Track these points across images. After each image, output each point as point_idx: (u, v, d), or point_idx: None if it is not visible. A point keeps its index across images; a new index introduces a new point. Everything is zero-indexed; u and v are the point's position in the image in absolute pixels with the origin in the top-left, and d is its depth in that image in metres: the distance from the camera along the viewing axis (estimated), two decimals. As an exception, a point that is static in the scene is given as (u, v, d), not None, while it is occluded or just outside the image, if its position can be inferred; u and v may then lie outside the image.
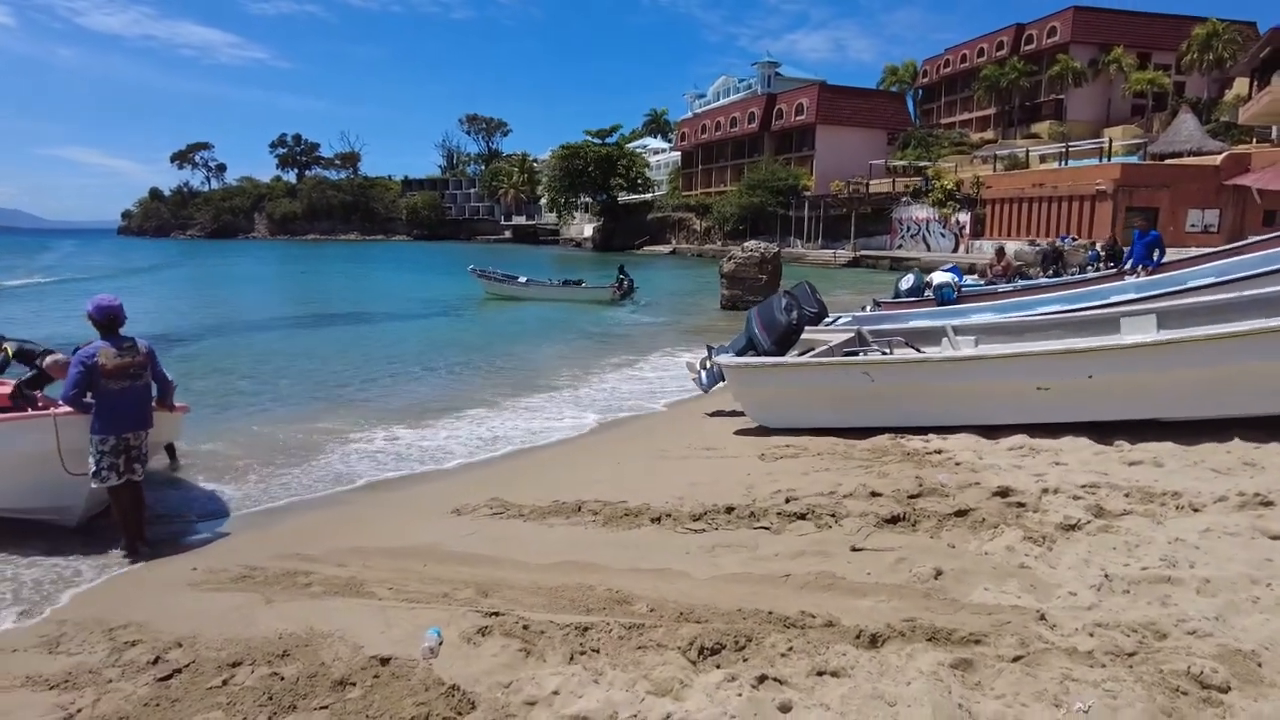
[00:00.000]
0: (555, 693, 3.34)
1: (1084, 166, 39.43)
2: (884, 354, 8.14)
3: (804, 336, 8.71)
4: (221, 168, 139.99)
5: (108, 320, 5.75)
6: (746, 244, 26.17)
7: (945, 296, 12.80)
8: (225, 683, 3.69)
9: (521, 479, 7.25)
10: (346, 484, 7.58)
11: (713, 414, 9.48)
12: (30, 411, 6.20)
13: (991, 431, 7.09)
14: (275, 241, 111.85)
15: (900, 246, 48.67)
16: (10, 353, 7.21)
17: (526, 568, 4.87)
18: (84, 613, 4.84)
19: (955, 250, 43.70)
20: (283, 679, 3.67)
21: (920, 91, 79.41)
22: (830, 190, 55.91)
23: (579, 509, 6.00)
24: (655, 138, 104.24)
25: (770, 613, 3.95)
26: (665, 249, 69.91)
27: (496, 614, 4.07)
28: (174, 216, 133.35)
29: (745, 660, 3.50)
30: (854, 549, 4.81)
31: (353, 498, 7.24)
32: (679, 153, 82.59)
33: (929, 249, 45.99)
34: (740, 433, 8.29)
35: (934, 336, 9.41)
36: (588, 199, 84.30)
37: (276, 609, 4.59)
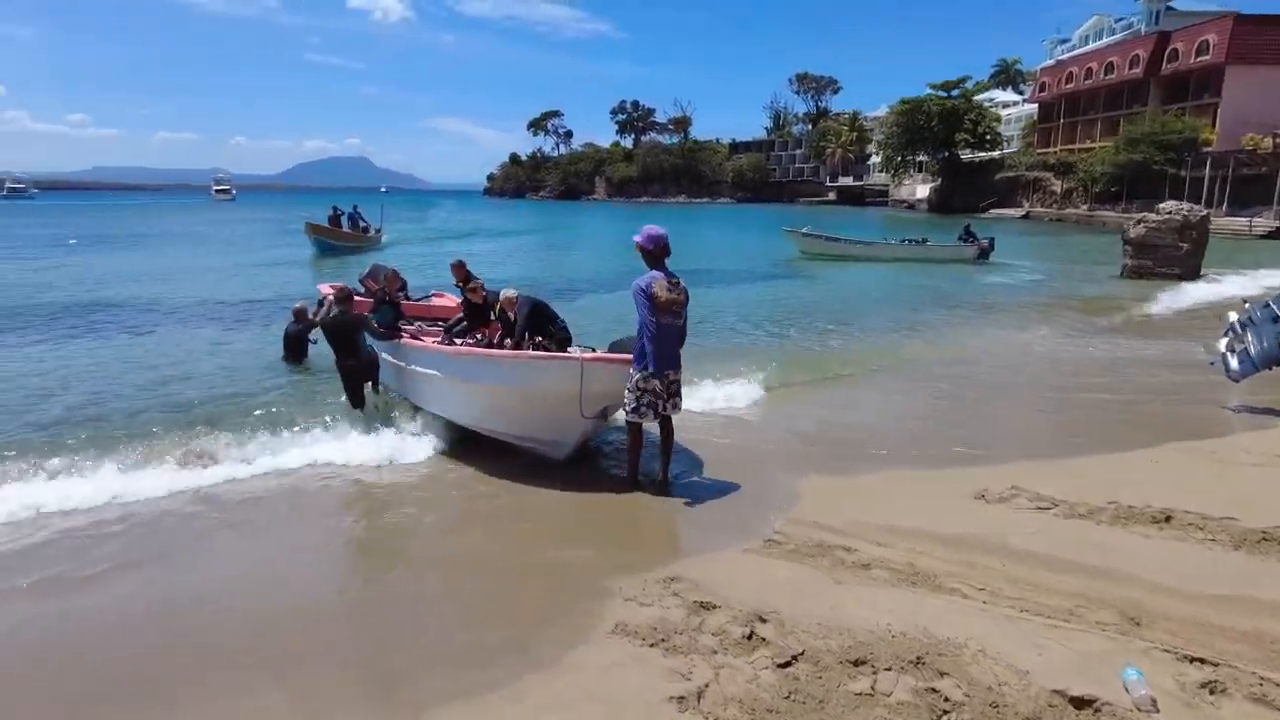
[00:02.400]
0: None
1: None
2: None
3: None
4: (569, 134, 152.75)
5: (659, 249, 5.52)
6: (1162, 206, 22.06)
7: None
8: (872, 689, 3.13)
9: (1031, 466, 6.12)
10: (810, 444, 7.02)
11: (1238, 409, 7.55)
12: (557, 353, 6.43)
13: None
14: (611, 203, 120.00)
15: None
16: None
17: (1178, 595, 3.79)
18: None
19: None
20: (947, 700, 3.02)
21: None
22: (1241, 145, 45.80)
23: (1166, 519, 4.76)
24: (1004, 90, 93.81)
25: None
26: (1016, 212, 62.57)
27: (1207, 662, 3.07)
28: (528, 179, 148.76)
29: None
30: None
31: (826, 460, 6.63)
32: (1035, 105, 73.51)
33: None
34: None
35: None
36: (924, 158, 78.55)
37: (851, 592, 4.03)
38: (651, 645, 3.66)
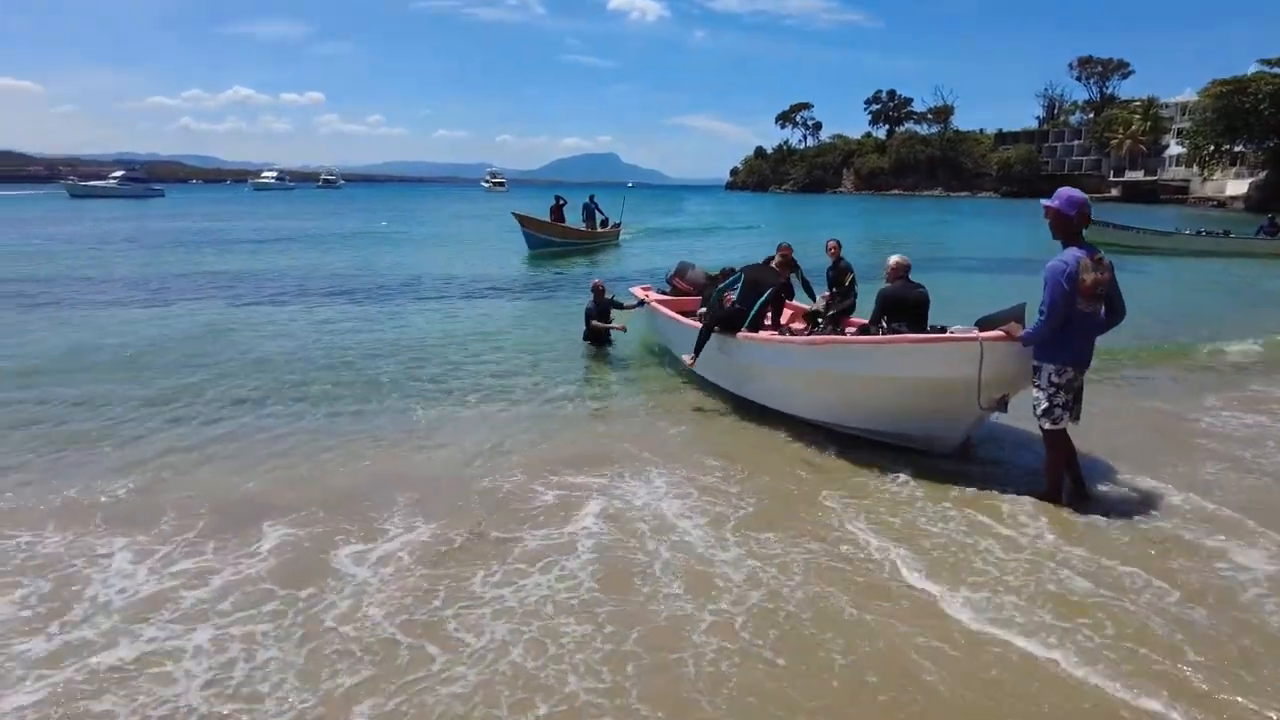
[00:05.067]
0: None
1: None
2: None
3: None
4: (818, 126, 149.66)
5: (1081, 216, 4.65)
6: None
7: None
8: None
9: None
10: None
11: None
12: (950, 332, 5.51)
13: None
14: (859, 196, 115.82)
15: None
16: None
17: None
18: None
19: None
20: None
21: None
22: None
23: None
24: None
25: None
26: (1369, 212, 51.74)
27: None
28: (772, 172, 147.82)
29: None
30: None
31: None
32: None
33: None
34: None
35: None
36: (1243, 148, 67.34)
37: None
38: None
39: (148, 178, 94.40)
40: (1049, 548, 4.39)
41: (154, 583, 4.04)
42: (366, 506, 4.97)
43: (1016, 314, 4.99)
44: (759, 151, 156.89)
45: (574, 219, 26.17)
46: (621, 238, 28.37)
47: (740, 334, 7.00)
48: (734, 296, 7.23)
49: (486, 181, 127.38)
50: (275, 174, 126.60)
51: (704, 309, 8.06)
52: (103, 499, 5.11)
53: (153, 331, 10.94)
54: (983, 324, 5.14)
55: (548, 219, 24.55)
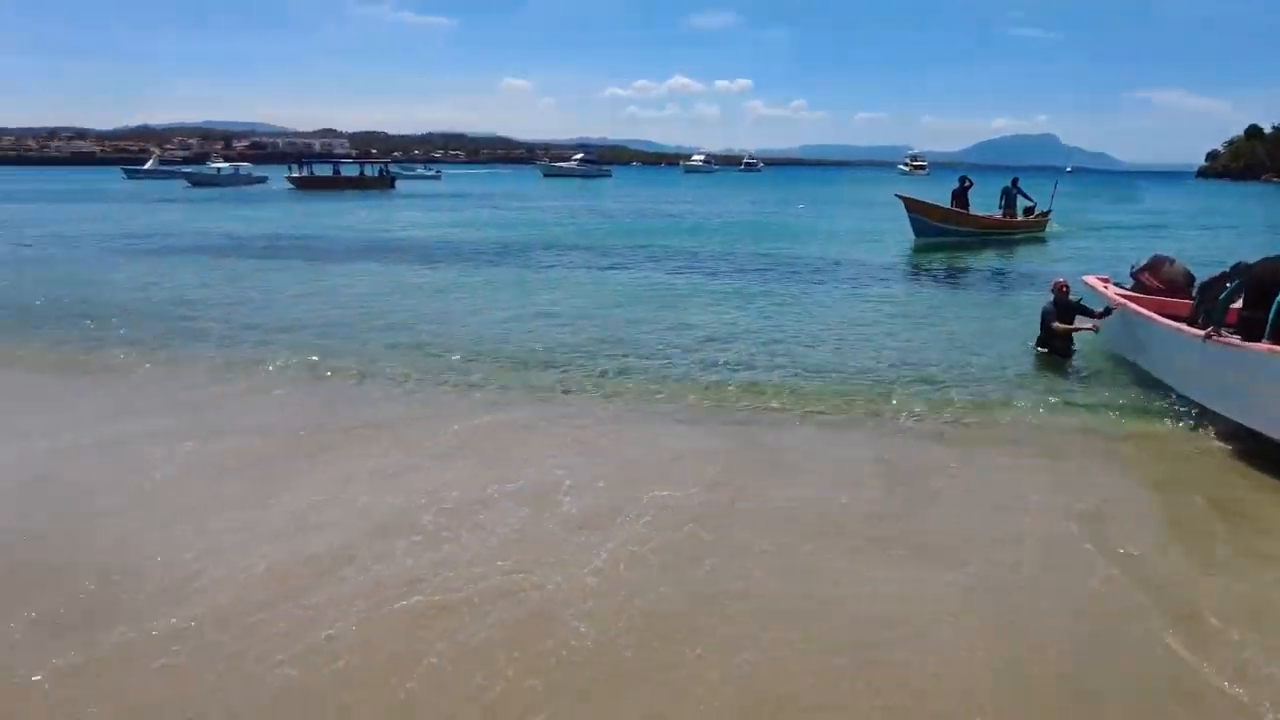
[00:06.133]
0: None
1: None
2: None
3: None
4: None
5: None
6: None
7: None
8: None
9: None
10: None
11: None
12: None
13: None
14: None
15: None
16: None
17: None
18: None
19: None
20: None
21: None
22: None
23: None
24: None
25: None
26: None
27: None
28: (1269, 157, 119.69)
29: None
30: None
31: None
32: None
33: None
34: None
35: None
36: None
37: None
38: None
39: (598, 160, 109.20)
40: None
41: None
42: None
43: None
44: (1251, 131, 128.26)
45: (982, 206, 22.59)
46: (1049, 230, 24.24)
47: (1261, 346, 5.74)
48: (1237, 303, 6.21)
49: (905, 164, 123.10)
50: (703, 157, 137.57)
51: (1201, 317, 6.87)
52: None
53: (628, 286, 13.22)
54: None
55: (949, 204, 21.61)
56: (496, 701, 3.16)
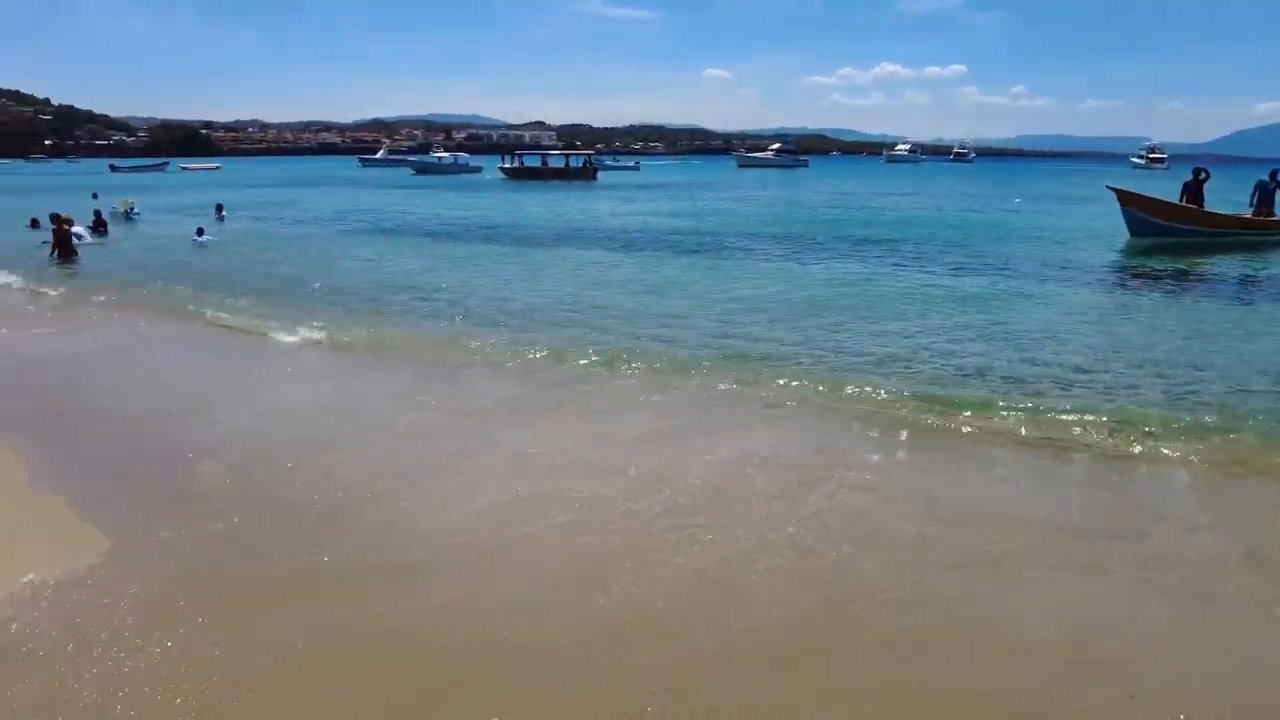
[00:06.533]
0: None
1: None
2: None
3: None
4: None
5: None
6: None
7: None
8: None
9: None
10: None
11: None
12: None
13: None
14: None
15: None
16: None
17: None
18: None
19: None
20: None
21: None
22: None
23: None
24: None
25: None
26: None
27: None
28: None
29: None
30: None
31: None
32: None
33: None
34: None
35: None
36: None
37: None
38: None
39: (795, 150, 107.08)
40: None
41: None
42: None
43: None
44: None
45: (1221, 204, 19.74)
46: None
47: None
48: None
49: (1140, 157, 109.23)
50: (908, 147, 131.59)
51: None
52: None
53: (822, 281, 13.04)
54: None
55: (1180, 199, 19.01)
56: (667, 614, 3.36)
